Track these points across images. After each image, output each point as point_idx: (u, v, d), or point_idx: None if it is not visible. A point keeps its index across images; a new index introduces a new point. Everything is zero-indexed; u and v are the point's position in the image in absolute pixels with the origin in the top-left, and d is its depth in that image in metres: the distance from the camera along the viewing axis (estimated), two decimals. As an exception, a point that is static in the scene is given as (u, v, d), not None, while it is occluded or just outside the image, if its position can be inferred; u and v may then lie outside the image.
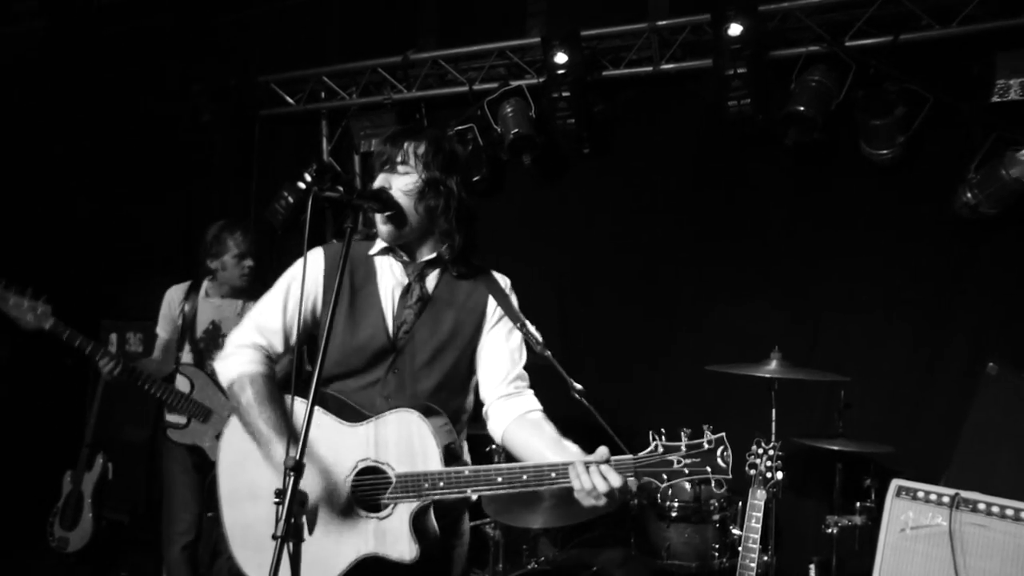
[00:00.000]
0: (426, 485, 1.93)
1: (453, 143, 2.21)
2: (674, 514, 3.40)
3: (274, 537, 1.65)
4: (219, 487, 2.18)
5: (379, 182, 2.10)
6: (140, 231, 6.07)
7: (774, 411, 3.35)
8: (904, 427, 3.89)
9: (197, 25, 5.73)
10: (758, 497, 3.00)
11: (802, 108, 3.92)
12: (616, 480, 1.80)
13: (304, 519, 2.00)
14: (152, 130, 5.92)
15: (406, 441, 1.98)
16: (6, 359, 5.83)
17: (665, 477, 1.83)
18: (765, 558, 3.25)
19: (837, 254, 4.18)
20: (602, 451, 1.84)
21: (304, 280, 2.04)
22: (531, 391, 2.18)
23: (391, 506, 1.97)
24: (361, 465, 2.02)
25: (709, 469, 1.81)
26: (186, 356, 3.71)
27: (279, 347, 2.18)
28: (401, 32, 5.19)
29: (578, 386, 2.05)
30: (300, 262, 2.10)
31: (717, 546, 3.36)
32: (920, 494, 3.25)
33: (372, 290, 2.15)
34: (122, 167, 6.16)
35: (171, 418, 3.55)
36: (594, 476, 1.80)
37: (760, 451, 3.04)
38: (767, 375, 3.32)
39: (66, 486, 5.13)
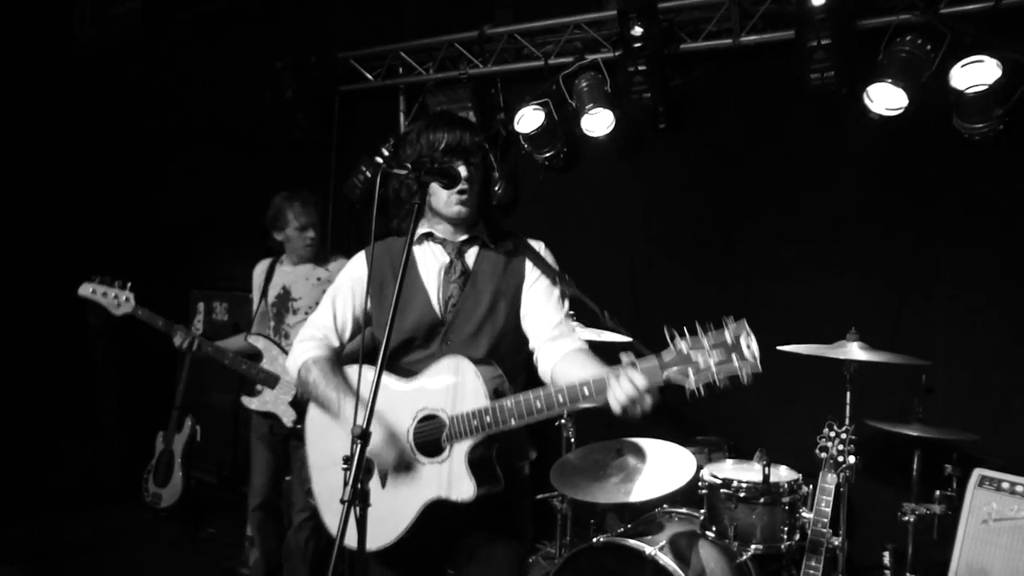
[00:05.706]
0: (475, 422, 2.02)
1: None
2: (742, 494, 3.36)
3: (341, 501, 1.73)
4: (308, 459, 2.34)
5: (459, 169, 2.19)
6: (228, 205, 6.31)
7: (848, 394, 3.26)
8: (991, 415, 3.71)
9: (281, 3, 5.88)
10: (828, 481, 2.95)
11: (890, 80, 3.76)
12: (643, 381, 1.81)
13: (376, 480, 2.14)
14: (238, 106, 6.14)
15: (455, 384, 2.08)
16: (103, 326, 6.18)
17: (693, 378, 1.79)
18: (836, 542, 3.18)
19: (923, 232, 3.99)
20: (626, 357, 1.87)
21: (352, 283, 2.31)
22: (576, 333, 2.27)
23: (448, 448, 2.07)
24: (420, 414, 2.13)
25: (736, 363, 1.76)
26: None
27: (335, 342, 2.36)
28: (477, 7, 5.19)
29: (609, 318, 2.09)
30: (348, 265, 2.39)
31: (786, 528, 3.31)
32: (1005, 484, 3.13)
33: (415, 274, 2.29)
34: (210, 143, 6.41)
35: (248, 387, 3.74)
36: (623, 383, 1.82)
37: (832, 434, 2.99)
38: (842, 357, 3.22)
39: (159, 445, 5.46)
